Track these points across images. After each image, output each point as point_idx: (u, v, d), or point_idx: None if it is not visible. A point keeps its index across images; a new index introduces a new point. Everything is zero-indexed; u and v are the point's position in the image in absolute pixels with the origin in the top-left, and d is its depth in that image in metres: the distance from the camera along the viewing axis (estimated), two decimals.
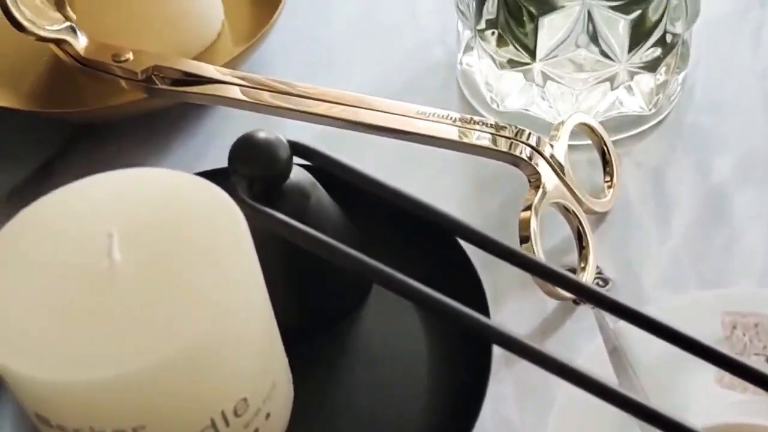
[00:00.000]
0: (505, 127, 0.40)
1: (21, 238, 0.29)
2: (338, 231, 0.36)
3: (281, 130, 0.47)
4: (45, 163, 0.47)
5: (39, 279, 0.28)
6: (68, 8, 0.45)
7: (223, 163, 0.44)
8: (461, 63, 0.49)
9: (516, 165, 0.40)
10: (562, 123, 0.42)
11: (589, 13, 0.41)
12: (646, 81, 0.45)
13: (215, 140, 0.48)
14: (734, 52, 0.51)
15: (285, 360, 0.33)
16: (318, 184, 0.36)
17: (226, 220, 0.29)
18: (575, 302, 0.39)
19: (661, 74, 0.45)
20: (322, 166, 0.34)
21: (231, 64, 0.46)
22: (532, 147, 0.40)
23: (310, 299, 0.37)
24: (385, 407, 0.35)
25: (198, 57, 0.50)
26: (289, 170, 0.34)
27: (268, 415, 0.31)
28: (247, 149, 0.33)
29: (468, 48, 0.48)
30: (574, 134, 0.42)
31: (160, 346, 0.26)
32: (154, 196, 0.29)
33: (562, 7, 0.41)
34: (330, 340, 0.37)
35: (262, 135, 0.33)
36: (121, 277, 0.27)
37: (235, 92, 0.43)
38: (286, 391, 0.33)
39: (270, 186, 0.34)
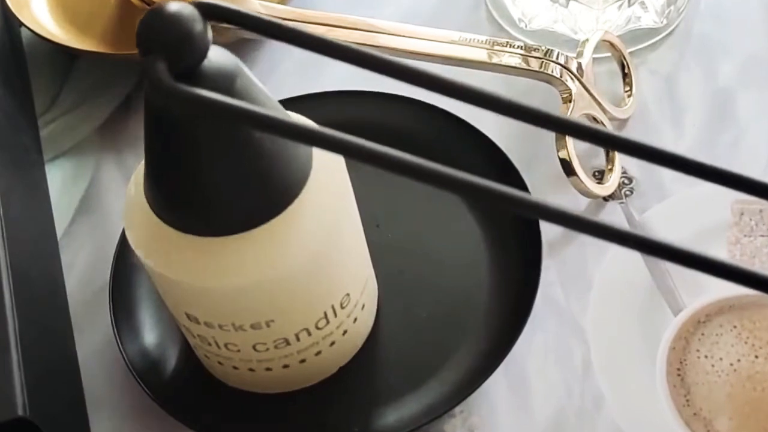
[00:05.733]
0: (536, 48, 0.46)
1: None
2: None
3: (333, 62, 0.52)
4: (124, 99, 0.53)
5: None
6: None
7: (284, 90, 0.49)
8: None
9: (548, 82, 0.45)
10: (587, 41, 0.47)
11: None
12: None
13: (276, 71, 0.53)
14: None
15: (369, 257, 0.39)
16: (243, 66, 0.30)
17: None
18: (605, 199, 0.45)
19: None
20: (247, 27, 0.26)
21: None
22: (561, 65, 0.45)
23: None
24: (454, 293, 0.42)
25: None
26: (206, 45, 0.27)
27: (363, 306, 0.38)
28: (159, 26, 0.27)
29: None
30: (595, 49, 0.48)
31: (287, 256, 0.32)
32: None
33: None
34: (398, 239, 0.44)
35: (173, 7, 0.27)
36: None
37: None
38: (372, 284, 0.40)
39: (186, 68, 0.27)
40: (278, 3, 0.50)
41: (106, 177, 0.50)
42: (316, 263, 0.33)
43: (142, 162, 0.35)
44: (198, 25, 0.27)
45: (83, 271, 0.46)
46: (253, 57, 0.54)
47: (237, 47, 0.54)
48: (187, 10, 0.27)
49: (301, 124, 0.23)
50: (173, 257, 0.32)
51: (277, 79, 0.53)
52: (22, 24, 0.53)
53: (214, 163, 0.29)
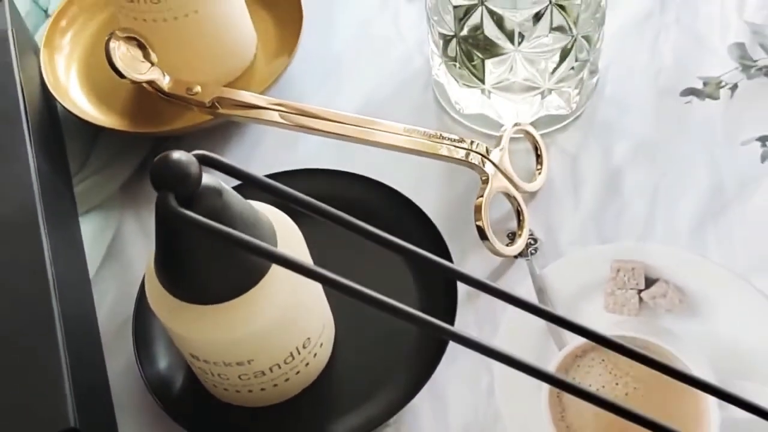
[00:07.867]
0: (463, 140, 0.59)
1: None
2: (250, 224, 0.43)
3: (305, 143, 0.65)
4: (142, 162, 0.66)
5: None
6: (152, 54, 0.63)
7: (265, 165, 0.62)
8: (435, 75, 0.67)
9: (471, 168, 0.59)
10: (504, 131, 0.60)
11: (520, 57, 0.59)
12: (566, 89, 0.63)
13: (258, 148, 0.66)
14: (637, 54, 0.69)
15: (328, 307, 0.52)
16: (224, 185, 0.41)
17: (288, 230, 0.47)
18: (515, 257, 0.59)
19: (577, 83, 0.63)
20: (228, 174, 0.38)
21: (268, 89, 0.65)
22: (481, 154, 0.58)
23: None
24: (392, 332, 0.55)
25: (242, 76, 0.68)
26: (199, 181, 0.38)
27: (321, 345, 0.51)
28: (167, 170, 0.37)
29: (438, 67, 0.66)
30: (514, 133, 0.61)
31: (262, 317, 0.45)
32: None
33: (500, 54, 0.59)
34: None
35: (175, 155, 0.38)
36: None
37: (274, 116, 0.62)
38: (330, 326, 0.53)
39: (187, 195, 0.38)
40: (258, 93, 0.63)
41: (128, 229, 0.63)
42: (284, 319, 0.46)
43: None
44: (194, 167, 0.38)
45: (110, 308, 0.59)
46: (243, 135, 0.67)
47: (225, 128, 0.67)
48: (185, 157, 0.38)
49: (271, 249, 0.36)
50: (179, 318, 0.45)
51: (261, 151, 0.66)
52: (57, 101, 0.66)
53: (206, 256, 0.42)
